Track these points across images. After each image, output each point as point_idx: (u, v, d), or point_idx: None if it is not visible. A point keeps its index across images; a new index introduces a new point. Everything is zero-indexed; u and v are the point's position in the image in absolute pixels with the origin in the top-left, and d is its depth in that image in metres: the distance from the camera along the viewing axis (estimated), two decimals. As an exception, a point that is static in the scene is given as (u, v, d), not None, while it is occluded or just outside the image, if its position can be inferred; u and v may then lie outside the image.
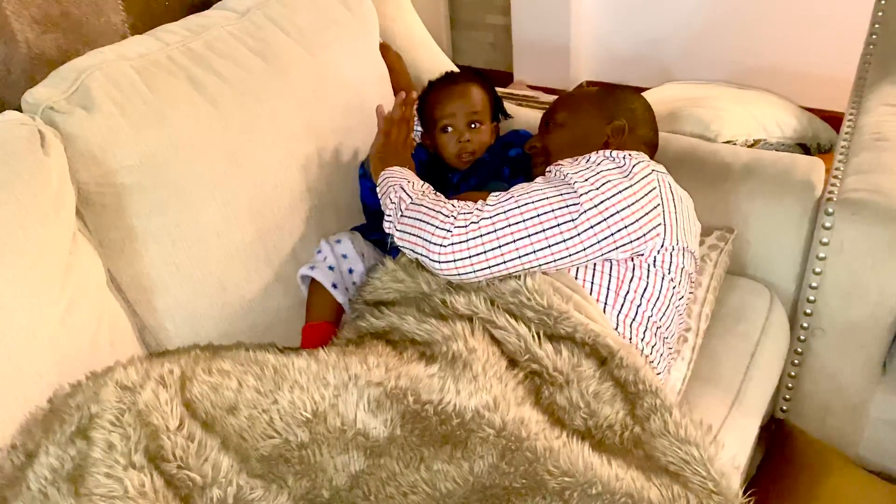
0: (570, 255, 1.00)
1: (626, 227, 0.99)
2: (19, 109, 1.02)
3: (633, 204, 0.99)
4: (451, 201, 1.07)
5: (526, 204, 1.01)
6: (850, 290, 1.27)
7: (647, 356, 1.04)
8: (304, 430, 0.82)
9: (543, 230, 0.99)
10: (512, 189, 1.06)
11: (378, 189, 1.17)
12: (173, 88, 1.10)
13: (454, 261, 1.00)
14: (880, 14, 1.64)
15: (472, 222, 1.01)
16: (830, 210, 1.24)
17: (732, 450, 1.07)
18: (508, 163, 1.33)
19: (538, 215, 0.99)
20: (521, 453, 0.80)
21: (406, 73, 1.54)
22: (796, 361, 1.38)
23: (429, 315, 1.02)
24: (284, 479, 0.80)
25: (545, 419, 0.88)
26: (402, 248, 1.08)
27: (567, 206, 0.99)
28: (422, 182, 1.14)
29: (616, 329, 1.03)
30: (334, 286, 1.21)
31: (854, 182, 1.25)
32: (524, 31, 2.85)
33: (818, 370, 1.37)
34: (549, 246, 0.99)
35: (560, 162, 1.16)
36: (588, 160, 1.05)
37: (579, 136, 1.22)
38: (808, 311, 1.32)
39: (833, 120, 2.08)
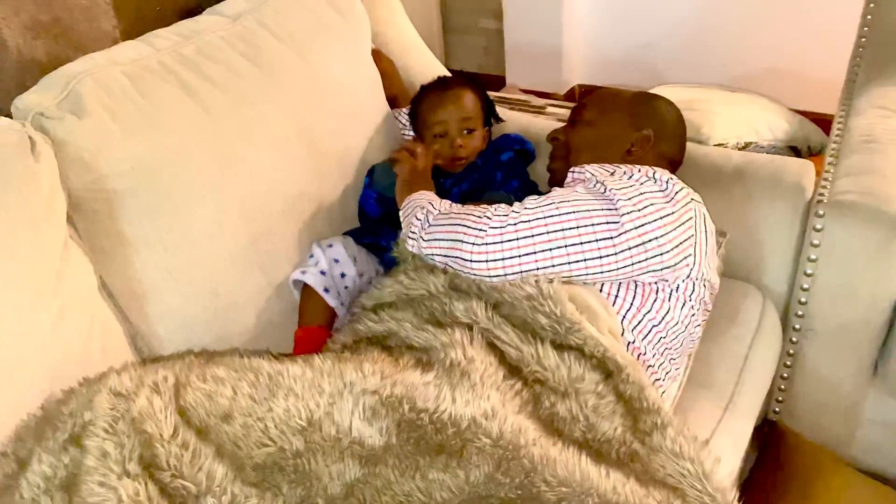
0: (602, 273, 1.00)
1: (661, 254, 0.99)
2: (9, 116, 1.02)
3: (671, 231, 0.99)
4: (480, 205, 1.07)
5: (567, 213, 0.99)
6: (841, 292, 1.27)
7: (649, 367, 1.05)
8: (299, 438, 0.81)
9: (581, 243, 0.98)
10: (551, 194, 1.04)
11: (402, 213, 1.16)
12: (165, 94, 1.09)
13: (486, 261, 0.99)
14: (869, 17, 1.66)
15: (509, 224, 1.00)
16: (821, 212, 1.24)
17: (727, 453, 1.08)
18: (500, 167, 1.33)
19: (578, 227, 0.98)
20: (517, 462, 0.79)
21: (399, 78, 1.54)
22: (789, 363, 1.38)
23: (427, 321, 1.02)
24: (279, 487, 0.79)
25: (543, 429, 0.87)
26: (430, 257, 1.07)
27: (608, 223, 0.98)
28: (449, 202, 1.14)
29: (623, 334, 1.03)
30: (326, 290, 1.21)
31: (844, 184, 1.26)
32: (516, 35, 2.86)
33: (810, 372, 1.37)
34: (585, 260, 0.98)
35: (587, 167, 1.16)
36: (631, 177, 1.04)
37: (604, 137, 1.21)
38: (800, 312, 1.33)
39: (823, 122, 2.10)
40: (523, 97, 2.70)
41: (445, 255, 1.04)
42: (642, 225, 0.97)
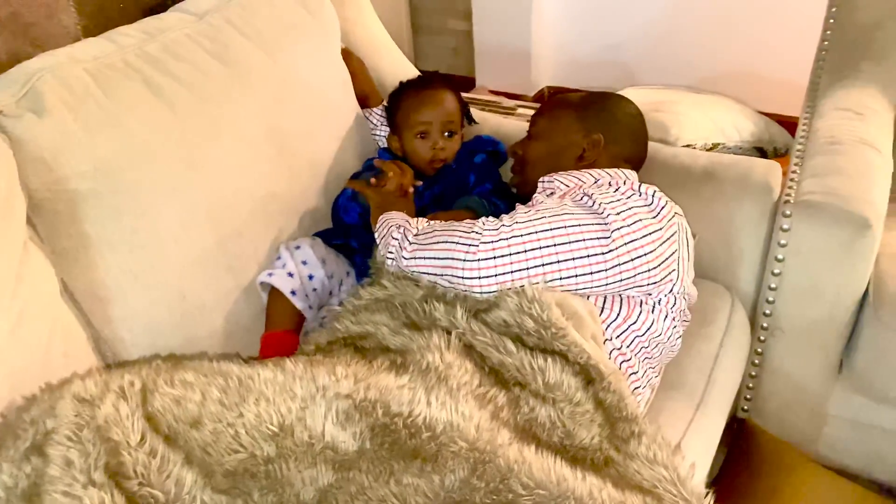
0: (591, 287, 1.00)
1: (648, 270, 0.99)
2: (-34, 114, 0.99)
3: (658, 248, 0.99)
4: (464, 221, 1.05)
5: (559, 228, 0.98)
6: (807, 291, 1.29)
7: (633, 374, 1.06)
8: (271, 443, 0.80)
9: (573, 258, 0.97)
10: (541, 207, 1.03)
11: (377, 234, 1.14)
12: (129, 92, 1.07)
13: (479, 277, 0.97)
14: (832, 21, 1.69)
15: (501, 238, 0.98)
16: (788, 212, 1.26)
17: (699, 452, 1.09)
18: (474, 169, 1.33)
19: (570, 242, 0.97)
20: (493, 465, 0.79)
21: (369, 78, 1.53)
22: (757, 362, 1.40)
23: (404, 325, 1.01)
24: (250, 494, 0.78)
25: (520, 434, 0.87)
26: (414, 274, 1.05)
27: (599, 239, 0.97)
28: (425, 219, 1.12)
29: (609, 341, 1.03)
30: (293, 293, 1.19)
31: (810, 185, 1.28)
32: (486, 36, 2.86)
33: (778, 370, 1.39)
34: (576, 276, 0.98)
35: (556, 177, 1.17)
36: (617, 190, 1.03)
37: (555, 148, 1.22)
38: (768, 311, 1.35)
39: (788, 124, 2.13)
40: (493, 98, 2.70)
41: (436, 274, 1.01)
42: (632, 241, 0.98)
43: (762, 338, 1.37)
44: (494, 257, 0.97)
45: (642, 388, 1.08)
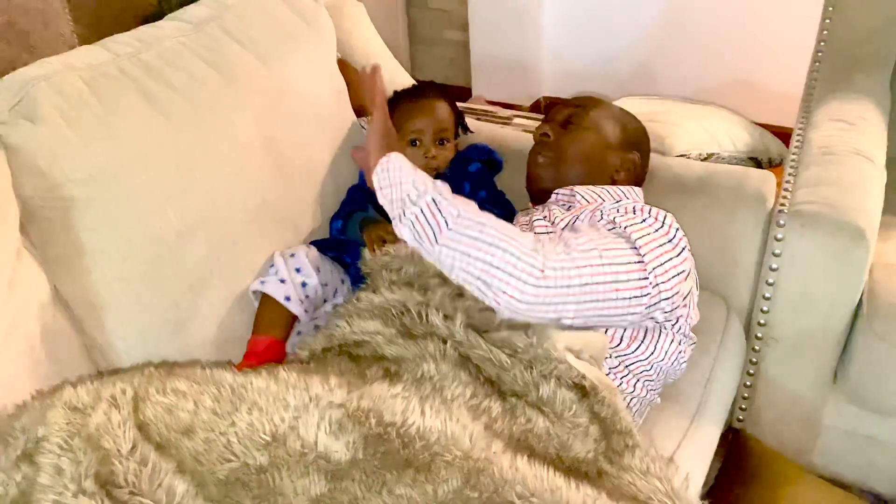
0: (615, 323, 0.99)
1: (672, 310, 1.00)
2: (-40, 121, 0.98)
3: (679, 288, 0.99)
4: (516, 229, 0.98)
5: (608, 264, 0.95)
6: (801, 301, 1.29)
7: (633, 389, 1.06)
8: (264, 453, 0.79)
9: (616, 299, 0.95)
10: (590, 237, 0.98)
11: (378, 178, 1.03)
12: (124, 100, 1.07)
13: (533, 304, 0.92)
14: (825, 33, 1.70)
15: (564, 268, 0.93)
16: (782, 222, 1.26)
17: (694, 463, 1.09)
18: (468, 178, 1.33)
19: (616, 282, 0.95)
20: (486, 475, 0.78)
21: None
22: (751, 371, 1.40)
23: (399, 334, 1.00)
24: (242, 503, 0.77)
25: (515, 444, 0.86)
26: (440, 263, 0.97)
27: (639, 280, 0.95)
28: (433, 181, 1.01)
29: (608, 359, 1.03)
30: (287, 298, 1.18)
31: (804, 195, 1.29)
32: (482, 47, 2.88)
33: (772, 380, 1.39)
34: (613, 315, 0.96)
35: (577, 191, 1.15)
36: (643, 221, 1.00)
37: (597, 148, 1.21)
38: (762, 321, 1.35)
39: (782, 134, 2.14)
40: (489, 108, 2.70)
41: (477, 276, 0.93)
42: (662, 283, 0.97)
43: (757, 348, 1.37)
44: (557, 287, 0.92)
45: (640, 406, 1.08)
